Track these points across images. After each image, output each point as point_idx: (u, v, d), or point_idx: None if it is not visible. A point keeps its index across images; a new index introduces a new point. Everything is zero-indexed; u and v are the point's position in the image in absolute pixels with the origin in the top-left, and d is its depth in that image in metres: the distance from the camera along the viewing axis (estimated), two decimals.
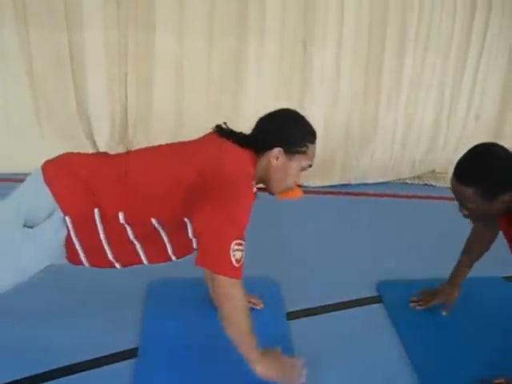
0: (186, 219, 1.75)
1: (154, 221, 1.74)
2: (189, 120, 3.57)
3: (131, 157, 1.83)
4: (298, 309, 2.34)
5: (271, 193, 1.91)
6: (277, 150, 1.79)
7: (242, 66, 3.49)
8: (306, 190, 3.61)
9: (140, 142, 3.54)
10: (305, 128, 1.85)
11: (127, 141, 3.63)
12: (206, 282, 2.09)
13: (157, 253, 1.84)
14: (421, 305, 2.37)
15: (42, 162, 1.77)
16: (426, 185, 4.01)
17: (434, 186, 4.00)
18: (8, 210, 1.69)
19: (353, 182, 3.83)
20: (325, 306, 2.41)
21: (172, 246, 1.83)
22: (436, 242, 3.02)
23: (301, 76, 3.55)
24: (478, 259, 2.29)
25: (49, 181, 1.68)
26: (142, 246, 1.81)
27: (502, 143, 4.01)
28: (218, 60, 3.48)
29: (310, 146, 1.83)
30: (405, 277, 2.63)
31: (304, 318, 2.30)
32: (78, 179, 1.70)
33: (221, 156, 1.74)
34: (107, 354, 1.99)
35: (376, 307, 2.44)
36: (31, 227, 1.67)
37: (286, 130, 1.81)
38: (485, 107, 3.96)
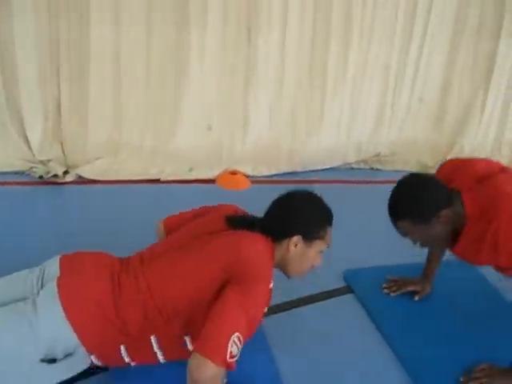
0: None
1: (185, 337, 1.72)
2: (128, 116, 3.39)
3: (149, 276, 1.72)
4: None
5: (287, 276, 1.89)
6: (296, 238, 1.77)
7: (184, 55, 3.30)
8: (254, 180, 3.55)
9: (76, 140, 3.35)
10: (323, 212, 1.83)
11: (61, 138, 3.40)
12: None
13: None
14: (394, 290, 2.37)
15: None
16: (372, 168, 4.02)
17: (379, 170, 4.01)
18: (22, 337, 1.57)
19: (299, 169, 3.78)
20: (296, 300, 2.37)
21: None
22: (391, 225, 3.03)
23: (245, 64, 3.41)
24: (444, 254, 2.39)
25: (70, 316, 1.59)
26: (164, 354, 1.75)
27: (444, 125, 4.12)
28: (158, 50, 3.27)
29: (328, 229, 1.82)
30: (369, 264, 2.62)
31: (275, 315, 2.23)
32: (100, 313, 1.63)
33: (242, 249, 1.69)
34: None
35: (347, 297, 2.43)
36: (51, 360, 1.60)
37: (304, 217, 1.79)
38: (428, 89, 3.98)
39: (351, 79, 3.71)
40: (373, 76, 3.79)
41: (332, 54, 3.58)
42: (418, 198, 1.89)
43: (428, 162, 4.05)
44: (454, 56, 3.94)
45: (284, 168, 3.72)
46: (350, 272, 2.56)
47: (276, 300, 2.28)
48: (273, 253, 1.76)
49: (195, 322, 1.63)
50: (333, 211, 1.82)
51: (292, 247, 1.77)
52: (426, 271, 2.41)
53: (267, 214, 1.83)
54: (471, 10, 3.83)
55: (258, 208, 2.67)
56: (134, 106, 3.39)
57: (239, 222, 1.82)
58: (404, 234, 1.98)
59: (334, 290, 2.46)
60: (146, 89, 3.38)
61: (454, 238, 2.00)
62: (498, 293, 2.51)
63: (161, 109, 3.43)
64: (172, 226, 2.00)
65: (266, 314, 2.19)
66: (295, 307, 2.31)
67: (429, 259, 2.38)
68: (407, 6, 3.67)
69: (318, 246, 1.80)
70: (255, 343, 1.71)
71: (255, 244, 1.72)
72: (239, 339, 1.50)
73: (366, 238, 2.92)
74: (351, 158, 3.96)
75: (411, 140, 4.09)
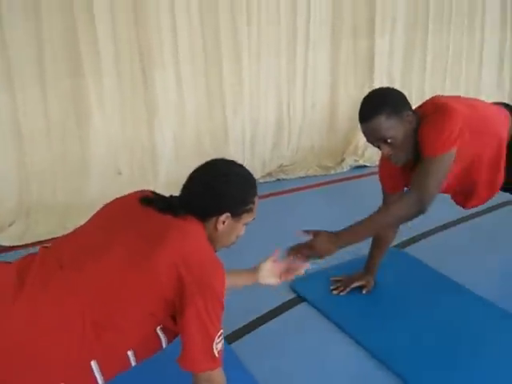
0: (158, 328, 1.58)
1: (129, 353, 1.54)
2: (34, 177, 3.28)
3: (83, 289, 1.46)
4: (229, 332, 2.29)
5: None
6: (224, 216, 1.63)
7: (83, 105, 3.25)
8: None
9: None
10: (248, 184, 1.70)
11: None
12: None
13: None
14: (342, 290, 2.53)
15: None
16: (278, 179, 4.18)
17: (284, 179, 4.16)
18: None
19: None
20: (256, 319, 2.42)
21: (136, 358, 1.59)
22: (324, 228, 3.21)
23: (145, 103, 3.44)
24: (387, 248, 2.57)
25: None
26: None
27: (337, 125, 4.36)
28: (57, 105, 3.20)
29: (255, 200, 1.71)
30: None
31: (242, 337, 2.30)
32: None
33: (185, 244, 1.52)
34: None
35: (302, 306, 2.52)
36: None
37: (231, 193, 1.64)
38: (318, 94, 4.18)
39: (248, 96, 3.81)
40: (267, 90, 3.92)
41: (226, 74, 3.66)
42: (389, 96, 2.13)
43: (328, 163, 4.31)
44: (336, 58, 4.16)
45: None
46: (295, 282, 2.63)
47: (239, 322, 2.37)
48: (204, 233, 1.62)
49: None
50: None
51: (220, 225, 1.64)
52: (369, 265, 2.57)
53: (188, 191, 1.65)
54: (345, 12, 4.08)
55: None
56: (39, 164, 3.28)
57: (159, 203, 1.61)
58: (378, 135, 2.07)
59: (289, 302, 2.54)
60: (49, 144, 3.28)
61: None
62: (436, 273, 2.72)
63: (68, 162, 3.35)
64: None
65: (234, 339, 2.28)
66: (259, 325, 2.38)
67: (371, 254, 2.58)
68: (288, 18, 3.85)
69: (245, 218, 1.70)
70: (228, 362, 1.65)
71: (196, 241, 1.56)
72: (219, 336, 1.51)
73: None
74: (257, 174, 4.09)
75: (310, 146, 4.28)
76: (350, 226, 2.07)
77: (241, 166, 1.72)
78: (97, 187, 3.42)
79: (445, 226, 3.29)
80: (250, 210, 1.70)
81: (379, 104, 2.08)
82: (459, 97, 2.39)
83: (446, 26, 4.59)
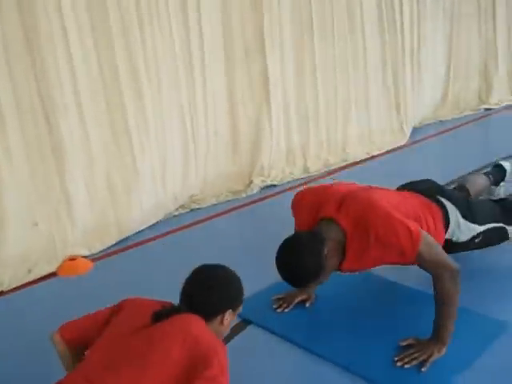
0: None
1: None
2: None
3: None
4: None
5: None
6: (228, 313, 1.87)
7: None
8: (94, 258, 3.46)
9: None
10: (239, 281, 1.94)
11: None
12: None
13: None
14: (286, 307, 2.58)
15: None
16: (192, 210, 4.12)
17: (198, 209, 4.14)
18: None
19: (130, 233, 3.78)
20: None
21: None
22: (243, 251, 3.31)
23: (52, 151, 3.29)
24: None
25: None
26: None
27: (241, 149, 4.38)
28: None
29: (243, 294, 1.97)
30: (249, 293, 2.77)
31: None
32: None
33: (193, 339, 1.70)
34: None
35: (250, 328, 2.55)
36: None
37: (231, 293, 1.89)
38: (219, 120, 4.21)
39: (153, 131, 3.77)
40: (171, 123, 3.90)
41: (128, 109, 3.60)
42: (306, 263, 2.14)
43: (237, 187, 4.34)
44: (232, 83, 4.21)
45: (116, 236, 3.66)
46: None
47: None
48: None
49: None
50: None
51: (226, 321, 1.87)
52: None
53: (190, 296, 1.85)
54: (235, 35, 4.15)
55: (109, 282, 2.70)
56: None
57: (168, 313, 1.80)
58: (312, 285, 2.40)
59: (236, 327, 2.51)
60: None
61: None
62: (375, 276, 2.81)
63: None
64: (75, 337, 1.89)
65: None
66: None
67: None
68: (183, 47, 3.87)
69: (238, 310, 1.95)
70: None
71: (201, 327, 1.77)
72: None
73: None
74: (170, 207, 4.06)
75: (217, 172, 4.28)
76: (437, 328, 2.22)
77: (223, 266, 1.94)
78: (13, 239, 3.26)
79: None
80: (241, 302, 1.94)
81: (306, 277, 2.20)
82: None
83: (330, 37, 4.76)
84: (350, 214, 2.23)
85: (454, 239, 2.53)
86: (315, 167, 4.73)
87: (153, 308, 1.82)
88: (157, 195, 3.89)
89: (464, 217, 2.54)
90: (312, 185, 3.65)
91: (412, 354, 2.20)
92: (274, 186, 4.46)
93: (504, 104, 6.54)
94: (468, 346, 2.27)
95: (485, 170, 3.57)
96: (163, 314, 1.78)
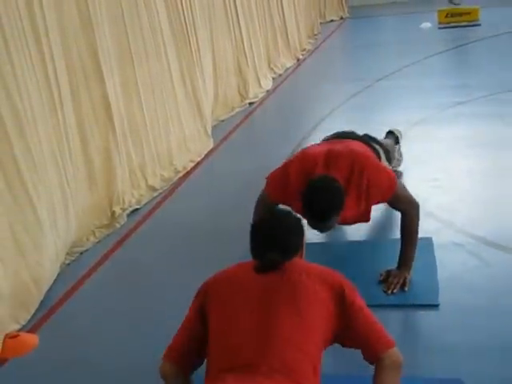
0: None
1: None
2: None
3: None
4: None
5: None
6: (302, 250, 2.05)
7: None
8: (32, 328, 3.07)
9: None
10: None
11: None
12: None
13: None
14: None
15: None
16: (68, 265, 3.71)
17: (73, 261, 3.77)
18: None
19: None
20: None
21: None
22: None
23: None
24: None
25: None
26: None
27: (96, 182, 4.18)
28: None
29: None
30: None
31: None
32: None
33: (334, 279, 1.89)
34: None
35: None
36: None
37: (301, 229, 2.04)
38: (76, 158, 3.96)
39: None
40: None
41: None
42: (334, 196, 2.52)
43: (103, 221, 4.12)
44: (79, 113, 3.96)
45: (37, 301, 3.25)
46: None
47: None
48: None
49: None
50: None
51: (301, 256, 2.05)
52: None
53: (271, 244, 1.88)
54: (75, 58, 3.91)
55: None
56: None
57: (265, 267, 1.86)
58: (330, 226, 2.63)
59: None
60: None
61: None
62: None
63: None
64: (182, 353, 1.89)
65: None
66: None
67: None
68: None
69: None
70: None
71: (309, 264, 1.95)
72: None
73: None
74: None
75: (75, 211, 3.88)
76: (404, 257, 2.72)
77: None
78: None
79: None
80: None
81: (333, 208, 2.54)
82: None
83: (145, 59, 4.77)
84: (343, 168, 2.66)
85: None
86: (157, 184, 4.72)
87: (238, 274, 1.91)
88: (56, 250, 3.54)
89: (388, 160, 3.37)
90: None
91: (392, 282, 2.74)
92: (137, 209, 4.38)
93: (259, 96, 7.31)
94: None
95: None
96: (266, 265, 1.85)
